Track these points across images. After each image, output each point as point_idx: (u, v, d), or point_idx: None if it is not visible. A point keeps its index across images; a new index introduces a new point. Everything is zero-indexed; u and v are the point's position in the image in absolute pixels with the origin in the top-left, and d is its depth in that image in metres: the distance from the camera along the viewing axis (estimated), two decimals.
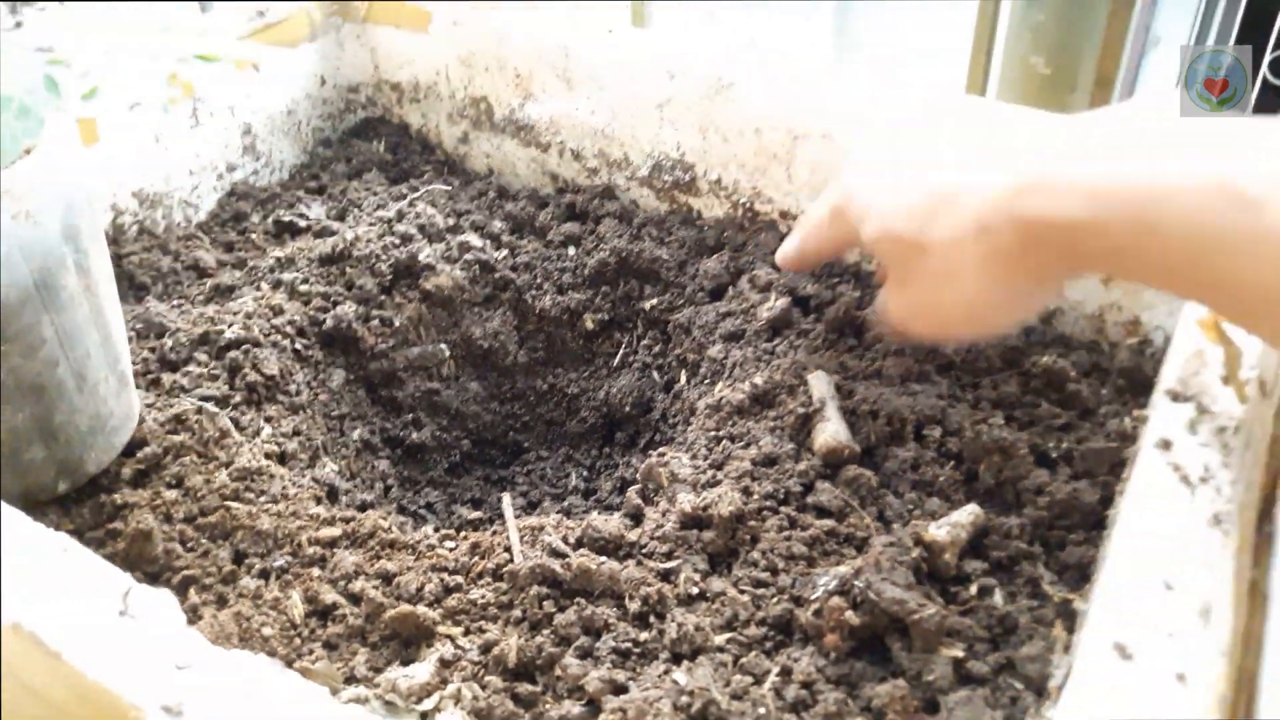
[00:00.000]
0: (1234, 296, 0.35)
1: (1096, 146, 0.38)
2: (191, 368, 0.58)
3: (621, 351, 0.71)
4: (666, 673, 0.41)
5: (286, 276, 0.66)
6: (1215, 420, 0.41)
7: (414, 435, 0.68)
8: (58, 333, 0.46)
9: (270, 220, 0.73)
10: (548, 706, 0.40)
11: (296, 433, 0.59)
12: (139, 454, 0.52)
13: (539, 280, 0.72)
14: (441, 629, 0.44)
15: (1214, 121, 0.36)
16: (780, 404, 0.54)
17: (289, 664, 0.42)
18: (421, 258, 0.69)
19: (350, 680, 0.42)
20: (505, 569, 0.47)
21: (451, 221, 0.73)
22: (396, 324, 0.68)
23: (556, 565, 0.46)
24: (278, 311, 0.63)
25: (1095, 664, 0.32)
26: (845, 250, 0.53)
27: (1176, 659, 0.32)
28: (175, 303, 0.65)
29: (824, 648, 0.42)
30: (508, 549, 0.48)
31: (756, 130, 0.67)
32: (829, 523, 0.47)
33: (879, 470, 0.50)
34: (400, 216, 0.72)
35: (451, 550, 0.49)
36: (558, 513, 0.59)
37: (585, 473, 0.70)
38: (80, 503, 0.51)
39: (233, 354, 0.59)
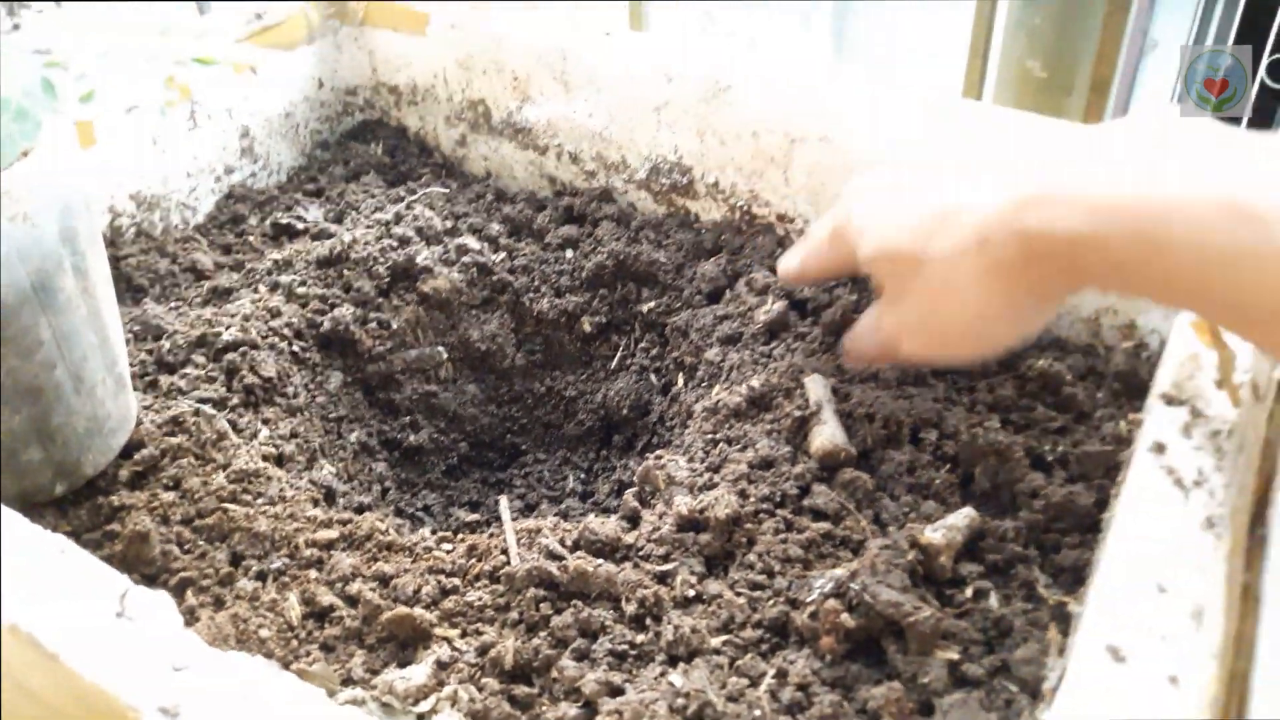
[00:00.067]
0: (1242, 313, 0.35)
1: (1100, 161, 0.38)
2: (189, 370, 0.58)
3: (619, 354, 0.71)
4: (663, 675, 0.41)
5: (284, 279, 0.66)
6: (1209, 424, 0.41)
7: (411, 438, 0.68)
8: (55, 335, 0.46)
9: (268, 223, 0.73)
10: (544, 708, 0.40)
11: (294, 435, 0.59)
12: (136, 456, 0.53)
13: (537, 283, 0.72)
14: (438, 631, 0.44)
15: (1218, 136, 0.36)
16: (777, 407, 0.55)
17: (286, 666, 0.42)
18: (419, 260, 0.69)
19: (347, 682, 0.42)
20: (502, 571, 0.47)
21: (449, 224, 0.73)
22: (394, 326, 0.68)
23: (553, 568, 0.46)
24: (275, 314, 0.63)
25: (1089, 666, 0.33)
26: (844, 273, 0.52)
27: (1169, 661, 0.32)
28: (173, 305, 0.65)
29: (820, 650, 0.42)
30: (505, 551, 0.48)
31: (754, 133, 0.67)
32: (825, 525, 0.47)
33: (875, 473, 0.50)
34: (398, 219, 0.72)
35: (449, 553, 0.49)
36: (555, 515, 0.59)
37: (583, 475, 0.70)
38: (78, 505, 0.51)
39: (230, 356, 0.59)
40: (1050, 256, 0.38)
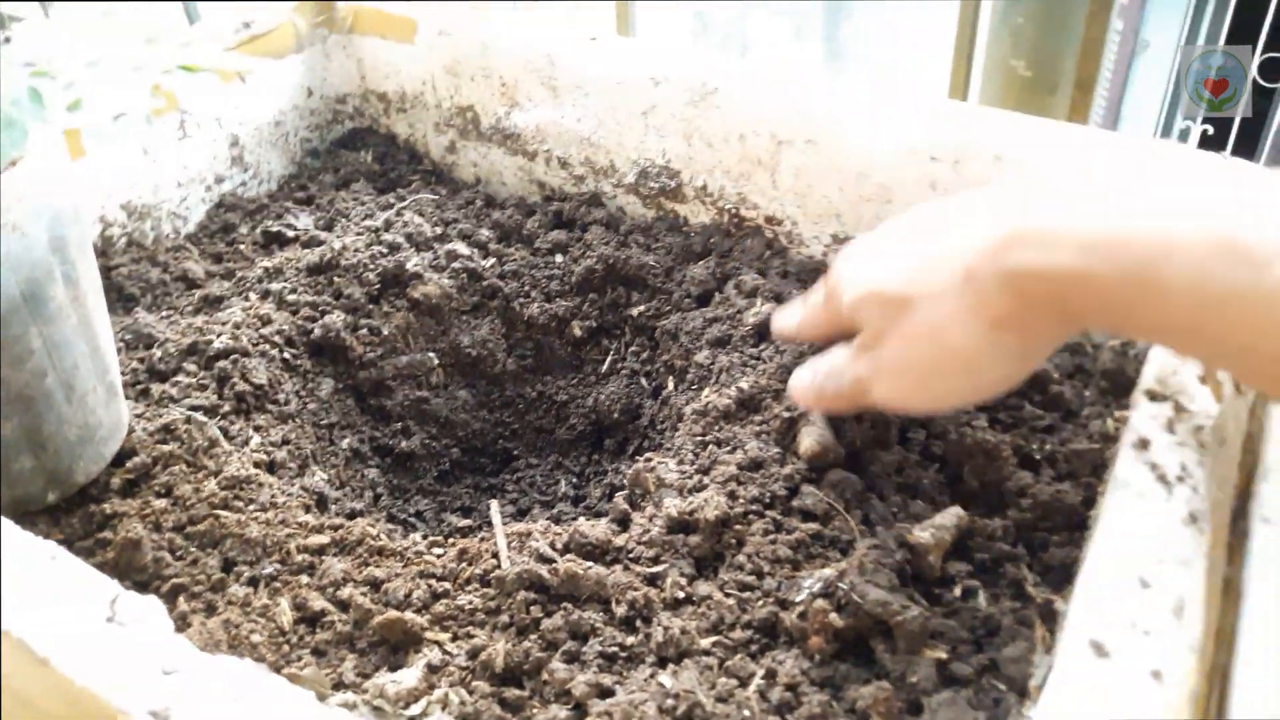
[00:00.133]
0: (1239, 357, 0.34)
1: (1092, 193, 0.37)
2: (180, 378, 0.59)
3: (609, 358, 0.72)
4: (652, 676, 0.41)
5: (275, 286, 0.66)
6: (1193, 419, 0.41)
7: (403, 444, 0.68)
8: (46, 344, 0.47)
9: (258, 231, 0.74)
10: (535, 711, 0.41)
11: (285, 442, 0.60)
12: (128, 464, 0.53)
13: (527, 288, 0.72)
14: (429, 635, 0.44)
15: (1213, 171, 0.36)
16: (766, 408, 0.55)
17: (278, 670, 0.42)
18: (409, 267, 0.69)
19: (338, 686, 0.42)
20: (493, 575, 0.47)
21: (439, 230, 0.74)
22: (385, 333, 0.68)
23: (544, 570, 0.46)
24: (266, 321, 0.64)
25: (1073, 662, 0.33)
26: (840, 332, 0.49)
27: (1152, 656, 0.32)
28: (164, 314, 0.65)
29: (808, 650, 0.42)
30: (495, 555, 0.49)
31: (740, 136, 0.68)
32: (814, 526, 0.48)
33: (864, 474, 0.50)
34: (388, 226, 0.72)
35: (439, 557, 0.50)
36: (547, 519, 0.59)
37: (575, 480, 0.70)
38: (70, 513, 0.51)
39: (221, 364, 0.60)
40: (1037, 295, 0.37)
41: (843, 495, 0.49)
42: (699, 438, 0.55)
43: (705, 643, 0.43)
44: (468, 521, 0.63)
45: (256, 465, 0.55)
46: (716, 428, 0.55)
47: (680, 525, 0.48)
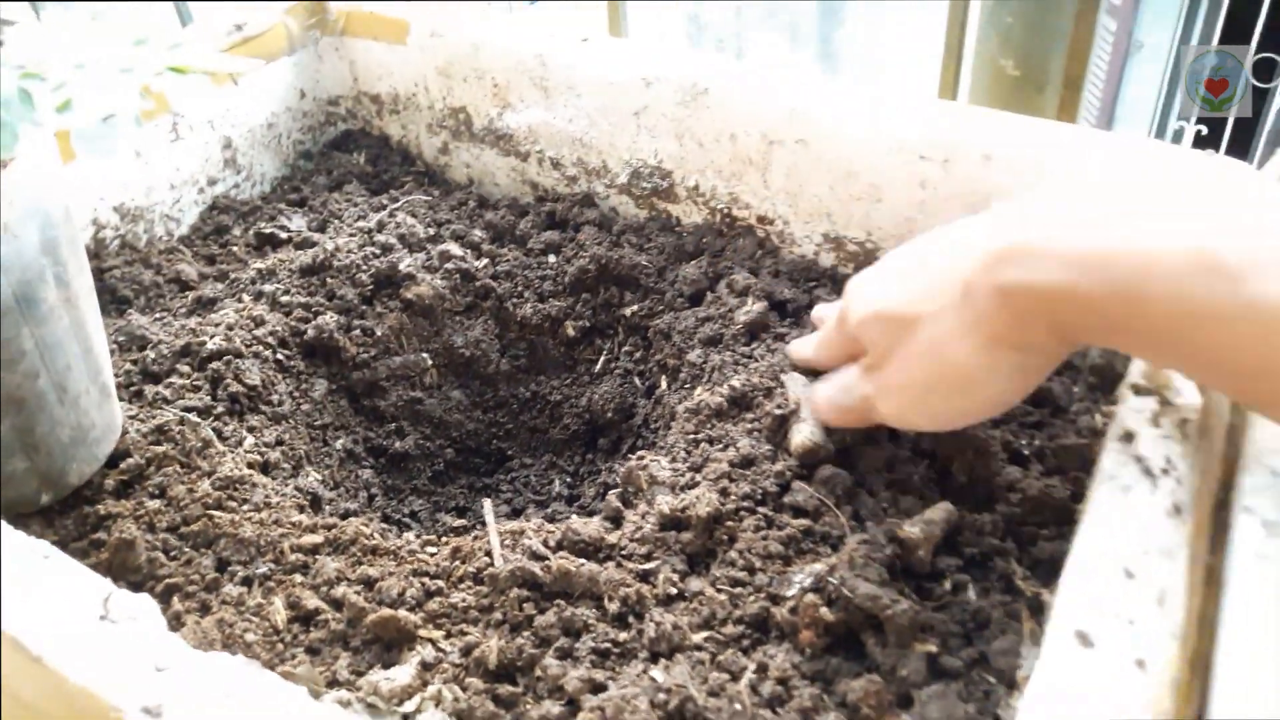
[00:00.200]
0: (1216, 368, 0.34)
1: (1084, 211, 0.37)
2: (174, 379, 0.59)
3: (603, 358, 0.72)
4: (645, 671, 0.42)
5: (268, 288, 0.67)
6: (1178, 413, 0.42)
7: (397, 444, 0.68)
8: (38, 345, 0.47)
9: (251, 233, 0.74)
10: (528, 707, 0.41)
11: (279, 443, 0.60)
12: (122, 465, 0.53)
13: (520, 288, 0.73)
14: (423, 632, 0.45)
15: (1198, 181, 0.36)
16: (757, 406, 0.55)
17: (271, 669, 0.43)
18: (402, 267, 0.69)
19: (332, 684, 0.42)
20: (486, 572, 0.47)
21: (432, 231, 0.74)
22: (378, 334, 0.68)
23: (536, 568, 0.46)
24: (259, 322, 0.64)
25: (1058, 652, 0.33)
26: (854, 357, 0.50)
27: (1137, 646, 0.32)
28: (157, 315, 0.65)
29: (799, 644, 0.42)
30: (488, 553, 0.49)
31: (732, 136, 0.68)
32: (805, 522, 0.48)
33: (854, 470, 0.51)
34: (381, 227, 0.72)
35: (433, 555, 0.50)
36: (541, 518, 0.60)
37: (569, 479, 0.70)
38: (63, 514, 0.51)
39: (215, 365, 0.60)
40: (1029, 310, 0.37)
41: (833, 491, 0.49)
42: (691, 436, 0.55)
43: (697, 638, 0.43)
44: (462, 521, 0.63)
45: (250, 466, 0.56)
46: (709, 426, 0.56)
47: (672, 522, 0.49)
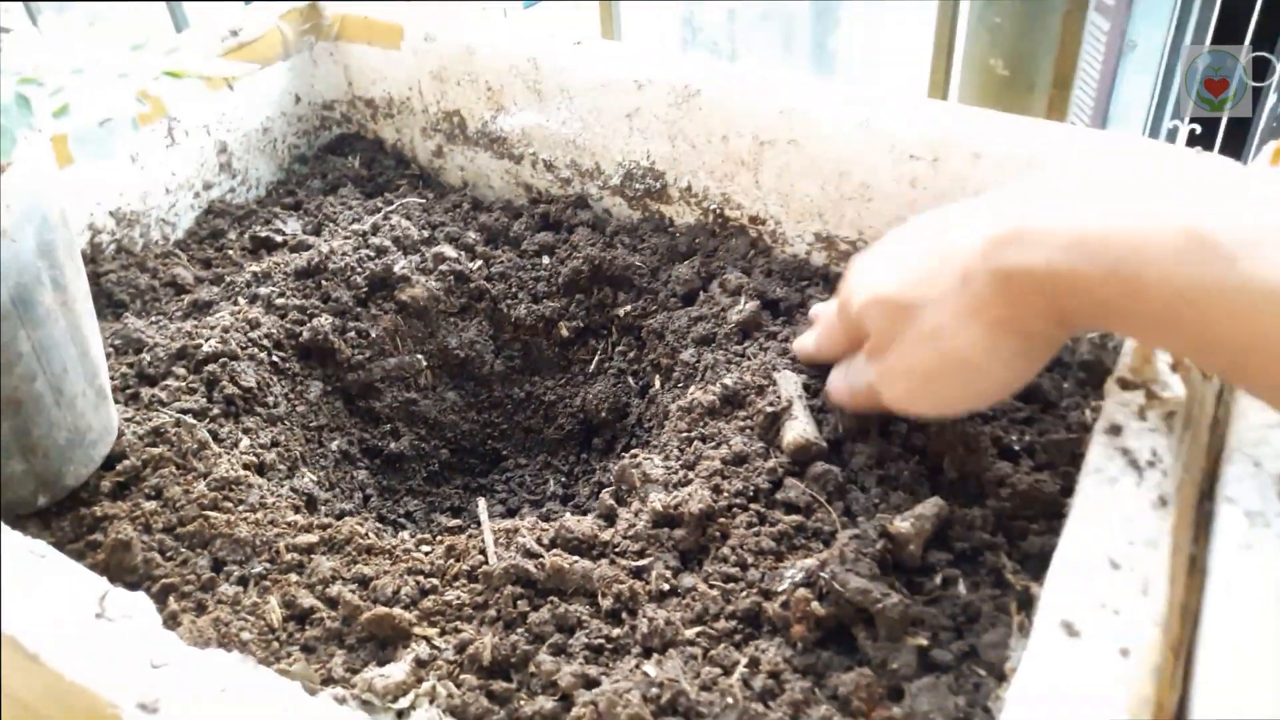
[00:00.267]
0: (1211, 347, 0.35)
1: (1077, 193, 0.38)
2: (170, 382, 0.59)
3: (597, 358, 0.72)
4: (637, 666, 0.42)
5: (263, 291, 0.67)
6: (1164, 406, 0.42)
7: (392, 445, 0.69)
8: (35, 348, 0.47)
9: (247, 236, 0.74)
10: (522, 702, 0.41)
11: (275, 444, 0.60)
12: (118, 467, 0.53)
13: (514, 290, 0.73)
14: (417, 630, 0.45)
15: (1190, 166, 0.36)
16: (750, 404, 0.56)
17: (266, 666, 0.43)
18: (397, 270, 0.70)
19: (327, 681, 0.43)
20: (480, 570, 0.47)
21: (426, 234, 0.74)
22: (373, 335, 0.69)
23: (530, 565, 0.46)
24: (254, 325, 0.64)
25: (1045, 642, 0.34)
26: (857, 345, 0.50)
27: (1121, 635, 0.33)
28: (153, 319, 0.66)
29: (791, 638, 0.43)
30: (483, 551, 0.49)
31: (724, 137, 0.68)
32: (797, 518, 0.48)
33: (846, 466, 0.51)
34: (375, 230, 0.73)
35: (427, 554, 0.50)
36: (535, 518, 0.60)
37: (563, 479, 0.70)
38: (60, 516, 0.51)
39: (210, 367, 0.60)
40: (1027, 294, 0.37)
41: (825, 487, 0.50)
42: (684, 434, 0.56)
43: (690, 633, 0.43)
44: (457, 521, 0.64)
45: (246, 467, 0.56)
46: (701, 424, 0.56)
47: (665, 519, 0.49)
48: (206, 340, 0.61)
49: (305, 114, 0.85)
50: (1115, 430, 0.41)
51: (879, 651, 0.42)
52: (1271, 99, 1.09)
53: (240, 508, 0.52)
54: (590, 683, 0.41)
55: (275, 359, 0.64)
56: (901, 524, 0.46)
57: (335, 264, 0.69)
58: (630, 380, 0.70)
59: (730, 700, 0.40)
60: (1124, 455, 0.40)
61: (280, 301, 0.67)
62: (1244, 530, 0.35)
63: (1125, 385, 0.44)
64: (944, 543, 0.47)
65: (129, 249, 0.72)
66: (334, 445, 0.66)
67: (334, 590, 0.47)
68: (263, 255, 0.73)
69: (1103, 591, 0.34)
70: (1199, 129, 1.12)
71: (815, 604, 0.43)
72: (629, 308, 0.70)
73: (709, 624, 0.44)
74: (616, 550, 0.48)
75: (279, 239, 0.73)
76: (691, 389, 0.60)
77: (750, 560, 0.46)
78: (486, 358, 0.73)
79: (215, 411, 0.58)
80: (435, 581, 0.48)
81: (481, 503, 0.56)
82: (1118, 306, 0.36)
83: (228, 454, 0.56)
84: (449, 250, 0.73)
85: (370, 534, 0.52)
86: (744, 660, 0.42)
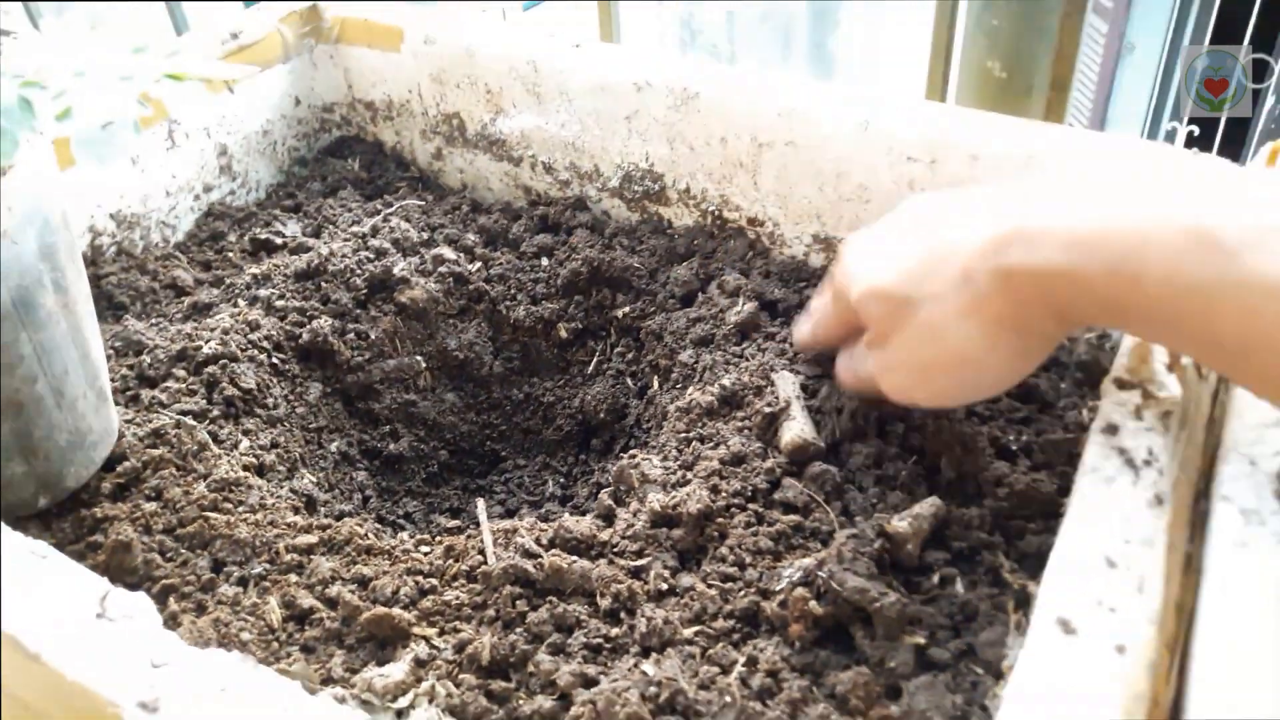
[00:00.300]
0: (1213, 345, 0.35)
1: (1082, 191, 0.38)
2: (170, 383, 0.59)
3: (595, 359, 0.73)
4: (636, 665, 0.42)
5: (263, 293, 0.67)
6: (1160, 406, 0.42)
7: (391, 446, 0.69)
8: (36, 350, 0.47)
9: (247, 238, 0.74)
10: (521, 702, 0.41)
11: (274, 445, 0.60)
12: (119, 468, 0.53)
13: (513, 291, 0.73)
14: (417, 630, 0.45)
15: (1188, 167, 0.36)
16: (748, 404, 0.56)
17: (266, 666, 0.43)
18: (396, 271, 0.70)
19: (327, 681, 0.43)
20: (479, 570, 0.48)
21: (425, 236, 0.74)
22: (372, 337, 0.69)
23: (529, 565, 0.47)
24: (254, 327, 0.64)
25: (1042, 640, 0.34)
26: (853, 329, 0.50)
27: (1117, 632, 0.33)
28: (153, 321, 0.66)
29: (789, 637, 0.43)
30: (481, 551, 0.49)
31: (722, 139, 0.69)
32: (795, 518, 0.48)
33: (843, 466, 0.51)
34: (375, 232, 0.73)
35: (426, 554, 0.50)
36: (534, 518, 0.60)
37: (562, 480, 0.71)
38: (61, 517, 0.51)
39: (210, 369, 0.60)
40: (1030, 292, 0.38)
41: (822, 487, 0.50)
42: (683, 434, 0.56)
43: (688, 632, 0.44)
44: (456, 522, 0.64)
45: (245, 468, 0.56)
46: (700, 424, 0.56)
47: (664, 519, 0.49)
48: (206, 342, 0.62)
49: (305, 116, 0.85)
50: (1112, 430, 0.42)
51: (877, 650, 0.42)
52: (1269, 101, 1.09)
53: (240, 509, 0.52)
54: (589, 682, 0.41)
55: (275, 361, 0.64)
56: (899, 523, 0.46)
57: (335, 266, 0.69)
58: (629, 381, 0.70)
59: (728, 699, 0.40)
60: (1120, 455, 0.40)
61: (280, 303, 0.67)
62: (1239, 528, 0.35)
63: (1122, 385, 0.44)
64: (941, 542, 0.47)
65: (129, 251, 0.72)
66: (333, 446, 0.66)
67: (333, 591, 0.47)
68: (262, 257, 0.73)
69: (1099, 590, 0.35)
70: (1197, 130, 1.13)
71: (813, 603, 0.43)
72: (627, 309, 0.70)
73: (707, 623, 0.44)
74: (615, 550, 0.48)
75: (279, 241, 0.74)
76: (690, 390, 0.60)
77: (748, 560, 0.47)
78: (485, 359, 0.73)
79: (215, 413, 0.59)
80: (434, 582, 0.48)
81: (480, 503, 0.57)
82: (1119, 304, 0.36)
83: (227, 455, 0.56)
84: (448, 252, 0.73)
85: (369, 535, 0.52)
86: (742, 659, 0.42)
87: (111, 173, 0.70)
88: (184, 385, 0.59)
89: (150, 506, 0.51)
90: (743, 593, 0.45)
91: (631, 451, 0.56)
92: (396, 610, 0.45)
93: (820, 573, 0.44)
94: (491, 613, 0.46)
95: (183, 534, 0.50)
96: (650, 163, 0.73)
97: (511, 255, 0.75)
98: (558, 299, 0.73)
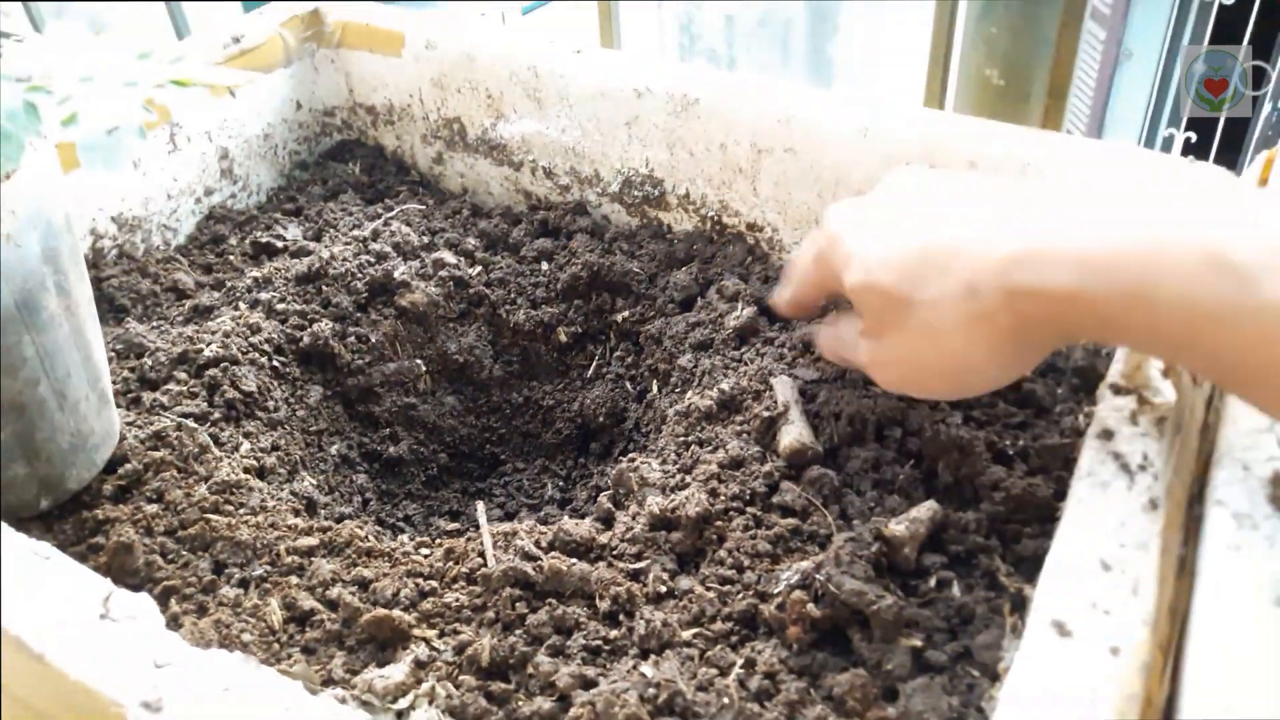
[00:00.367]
0: (1228, 369, 0.35)
1: (1091, 207, 0.37)
2: (171, 386, 0.60)
3: (595, 363, 0.73)
4: (635, 667, 0.42)
5: (264, 296, 0.68)
6: (1155, 410, 0.43)
7: (391, 449, 0.69)
8: (39, 352, 0.48)
9: (248, 242, 0.75)
10: (520, 703, 0.42)
11: (275, 448, 0.61)
12: (120, 470, 0.54)
13: (513, 295, 0.74)
14: (417, 632, 0.45)
15: (1187, 176, 0.36)
16: (746, 409, 0.56)
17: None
18: (397, 275, 0.70)
19: (327, 683, 0.43)
20: (479, 573, 0.48)
21: (426, 239, 0.75)
22: (373, 340, 0.69)
23: (529, 568, 0.47)
24: (255, 330, 0.65)
25: (1037, 642, 0.34)
26: (830, 295, 0.52)
27: (1111, 634, 0.33)
28: (154, 324, 0.66)
29: (787, 640, 0.43)
30: (481, 554, 0.50)
31: (722, 145, 0.69)
32: (793, 521, 0.49)
33: (841, 470, 0.52)
34: (375, 235, 0.73)
35: (426, 557, 0.51)
36: (533, 521, 0.60)
37: (561, 483, 0.71)
38: (62, 519, 0.51)
39: (211, 372, 0.61)
40: (1037, 311, 0.37)
41: (821, 491, 0.50)
42: (681, 438, 0.56)
43: (686, 634, 0.44)
44: (455, 525, 0.64)
45: (246, 471, 0.56)
46: (699, 428, 0.56)
47: (663, 522, 0.49)
48: (208, 345, 0.62)
49: (306, 120, 0.86)
50: (1107, 435, 0.42)
51: (874, 653, 0.42)
52: (1266, 108, 1.09)
53: (241, 511, 0.53)
54: (588, 683, 0.42)
55: (276, 364, 0.64)
56: (896, 527, 0.46)
57: (335, 269, 0.69)
58: (628, 385, 0.71)
59: (726, 700, 0.40)
60: (1116, 459, 0.41)
61: (281, 307, 0.67)
62: (1232, 532, 0.36)
63: (1118, 391, 0.44)
64: (938, 546, 0.48)
65: (131, 254, 0.73)
66: (333, 449, 0.66)
67: (334, 592, 0.47)
68: (263, 261, 0.73)
69: (1094, 593, 0.35)
70: (1194, 137, 1.13)
71: (811, 606, 0.43)
72: (627, 313, 0.71)
73: (706, 625, 0.44)
74: (614, 553, 0.49)
75: (280, 244, 0.74)
76: (689, 394, 0.60)
77: (747, 563, 0.47)
78: (485, 363, 0.74)
79: (216, 416, 0.59)
80: (434, 584, 0.48)
81: (480, 505, 0.57)
82: (1131, 326, 0.36)
83: (228, 458, 0.57)
84: (449, 256, 0.73)
85: (370, 537, 0.52)
86: (740, 661, 0.42)
87: (113, 176, 0.71)
88: (185, 388, 0.60)
89: (151, 508, 0.52)
90: (741, 595, 0.46)
91: (630, 455, 0.56)
92: (397, 612, 0.46)
93: (818, 576, 0.44)
94: (491, 615, 0.46)
95: (184, 536, 0.51)
96: (650, 168, 0.73)
97: (512, 259, 0.75)
98: (557, 303, 0.73)
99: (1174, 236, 0.34)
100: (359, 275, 0.70)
